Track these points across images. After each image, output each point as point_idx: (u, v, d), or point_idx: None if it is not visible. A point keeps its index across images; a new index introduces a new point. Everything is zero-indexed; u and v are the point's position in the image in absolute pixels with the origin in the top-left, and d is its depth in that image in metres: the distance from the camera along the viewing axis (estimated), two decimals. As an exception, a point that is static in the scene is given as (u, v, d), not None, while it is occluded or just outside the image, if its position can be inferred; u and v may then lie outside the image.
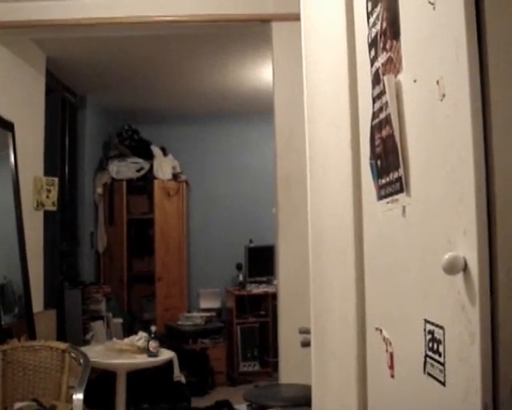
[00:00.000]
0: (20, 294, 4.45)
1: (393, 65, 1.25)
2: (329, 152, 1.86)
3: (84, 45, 5.04)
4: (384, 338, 1.36)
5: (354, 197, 1.57)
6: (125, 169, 7.07)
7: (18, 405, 3.47)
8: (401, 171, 1.21)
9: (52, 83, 5.46)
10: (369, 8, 1.42)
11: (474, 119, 0.92)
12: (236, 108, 7.24)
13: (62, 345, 3.85)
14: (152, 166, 7.20)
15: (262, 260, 7.25)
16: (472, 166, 0.92)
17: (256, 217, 7.41)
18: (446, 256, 0.94)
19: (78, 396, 3.35)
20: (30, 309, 4.48)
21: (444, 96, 1.01)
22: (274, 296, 5.19)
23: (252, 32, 4.52)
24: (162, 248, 7.18)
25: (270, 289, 6.87)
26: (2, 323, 4.06)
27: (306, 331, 2.26)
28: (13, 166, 4.43)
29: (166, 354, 4.62)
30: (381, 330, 1.39)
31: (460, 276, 0.94)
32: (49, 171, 5.11)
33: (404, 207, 1.22)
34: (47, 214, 5.07)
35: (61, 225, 5.78)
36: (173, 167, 7.35)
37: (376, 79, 1.37)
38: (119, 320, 6.32)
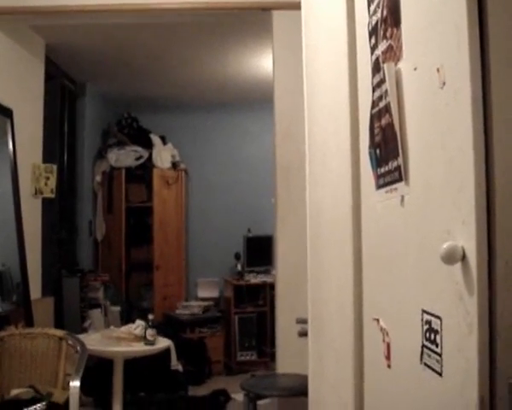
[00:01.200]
0: (18, 281, 4.44)
1: (394, 53, 1.24)
2: (329, 141, 1.85)
3: (84, 32, 5.01)
4: (381, 328, 1.36)
5: (353, 186, 1.57)
6: (124, 157, 7.05)
7: (14, 391, 3.47)
8: (400, 160, 1.20)
9: (51, 70, 5.43)
10: (370, -4, 1.41)
11: (475, 107, 0.91)
12: (236, 97, 7.21)
13: (59, 332, 3.84)
14: (151, 154, 7.17)
15: (260, 250, 7.25)
16: (472, 155, 0.91)
17: (255, 206, 7.39)
18: (445, 246, 0.94)
19: (75, 384, 3.35)
20: (28, 296, 4.48)
21: (444, 84, 1.00)
22: (272, 286, 5.18)
23: (252, 21, 4.50)
24: (160, 237, 7.16)
25: (268, 279, 6.86)
26: (0, 310, 4.06)
27: (304, 321, 2.26)
28: (11, 153, 4.41)
29: (163, 343, 4.61)
30: (378, 320, 1.38)
31: (458, 266, 0.94)
32: (47, 158, 5.09)
33: (402, 197, 1.21)
34: (45, 202, 5.06)
35: (60, 213, 5.77)
36: (172, 156, 7.33)
37: (376, 68, 1.36)
38: (117, 308, 6.32)
